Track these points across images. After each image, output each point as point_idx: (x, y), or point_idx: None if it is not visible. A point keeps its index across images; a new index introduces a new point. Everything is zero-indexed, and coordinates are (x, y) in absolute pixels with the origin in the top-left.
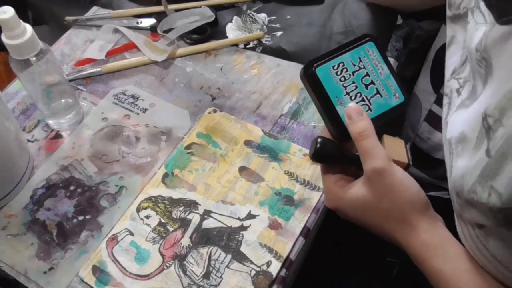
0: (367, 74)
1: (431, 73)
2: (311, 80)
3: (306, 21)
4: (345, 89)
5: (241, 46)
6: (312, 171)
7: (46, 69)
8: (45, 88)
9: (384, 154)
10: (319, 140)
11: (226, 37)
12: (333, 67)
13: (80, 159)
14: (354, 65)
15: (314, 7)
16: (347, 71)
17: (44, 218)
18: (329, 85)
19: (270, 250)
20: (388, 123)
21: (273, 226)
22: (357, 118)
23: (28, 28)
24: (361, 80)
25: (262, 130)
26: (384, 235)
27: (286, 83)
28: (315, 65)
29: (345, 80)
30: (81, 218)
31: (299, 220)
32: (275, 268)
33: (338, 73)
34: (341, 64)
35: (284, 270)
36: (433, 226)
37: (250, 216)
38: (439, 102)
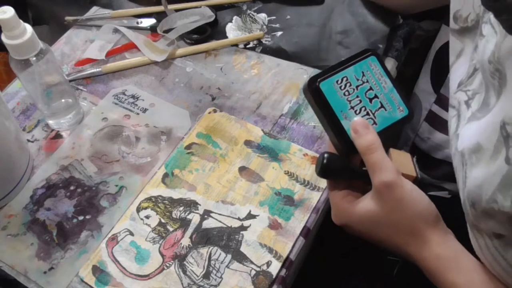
0: (371, 88)
1: (431, 73)
2: (315, 95)
3: (306, 21)
4: (350, 103)
5: (241, 46)
6: (312, 171)
7: (46, 69)
8: (45, 88)
9: (393, 168)
10: (325, 155)
11: (226, 37)
12: (337, 81)
13: (80, 159)
14: (358, 79)
15: (314, 7)
16: (350, 85)
17: (44, 218)
18: (333, 100)
19: (270, 250)
20: (393, 136)
21: (273, 226)
22: (364, 132)
23: (28, 28)
24: (365, 94)
25: (262, 130)
26: (395, 249)
27: (286, 83)
28: (318, 79)
29: (349, 94)
30: (81, 218)
31: (299, 220)
32: (275, 268)
33: (342, 87)
34: (345, 79)
35: (284, 270)
36: (445, 239)
37: (250, 216)
38: (439, 102)
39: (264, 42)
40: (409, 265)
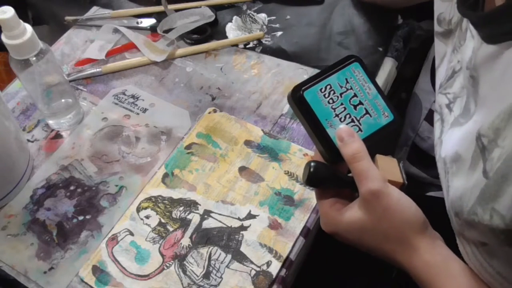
0: (355, 95)
1: (431, 72)
2: (299, 104)
3: (306, 21)
4: (334, 111)
5: (241, 46)
6: None
7: (46, 69)
8: (45, 88)
9: (379, 176)
10: (312, 164)
11: (226, 37)
12: (321, 89)
13: (80, 159)
14: (341, 87)
15: (314, 7)
16: (334, 93)
17: (44, 218)
18: (318, 108)
19: (270, 250)
20: (379, 142)
21: (273, 226)
22: (349, 140)
23: (28, 28)
24: (349, 101)
25: (262, 130)
26: (385, 256)
27: (286, 83)
28: (302, 88)
29: (334, 102)
30: (81, 218)
31: (299, 220)
32: (275, 268)
33: (326, 95)
34: (328, 86)
35: (284, 270)
36: (434, 245)
37: (250, 216)
38: None
39: (264, 42)
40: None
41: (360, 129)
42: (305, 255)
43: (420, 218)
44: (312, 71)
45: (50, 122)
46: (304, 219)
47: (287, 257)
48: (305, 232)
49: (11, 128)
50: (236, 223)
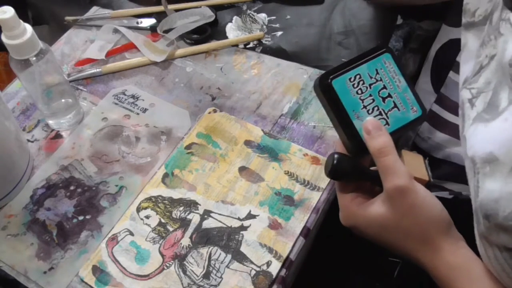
0: (384, 87)
1: (431, 73)
2: (327, 93)
3: (306, 21)
4: (362, 102)
5: (241, 46)
6: (312, 171)
7: (46, 69)
8: (45, 88)
9: (406, 172)
10: (335, 156)
11: (226, 37)
12: (350, 79)
13: (80, 159)
14: (371, 77)
15: (314, 7)
16: (363, 83)
17: (44, 218)
18: (345, 98)
19: (270, 250)
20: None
21: (273, 226)
22: (376, 134)
23: (28, 28)
24: (378, 93)
25: (262, 130)
26: (405, 254)
27: (286, 83)
28: (331, 77)
29: (362, 93)
30: (81, 218)
31: (299, 220)
32: (275, 268)
33: (355, 85)
34: (358, 76)
35: (284, 270)
36: (457, 246)
37: (250, 216)
38: (439, 101)
39: (264, 42)
40: (410, 266)
41: (387, 123)
42: (305, 255)
43: (445, 218)
44: (312, 71)
45: (50, 122)
46: (304, 219)
47: (287, 257)
48: (305, 232)
49: (11, 128)
50: (236, 223)
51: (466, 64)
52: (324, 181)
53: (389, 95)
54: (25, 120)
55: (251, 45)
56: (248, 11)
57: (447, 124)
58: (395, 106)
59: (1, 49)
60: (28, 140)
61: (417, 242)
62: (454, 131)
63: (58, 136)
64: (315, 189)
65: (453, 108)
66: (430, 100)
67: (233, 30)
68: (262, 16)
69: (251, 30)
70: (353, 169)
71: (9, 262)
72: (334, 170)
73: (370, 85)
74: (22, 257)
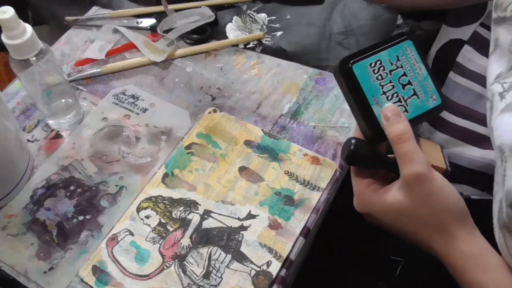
0: (405, 74)
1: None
2: (347, 77)
3: (306, 21)
4: (382, 88)
5: (241, 46)
6: (312, 171)
7: (46, 69)
8: (45, 88)
9: (424, 159)
10: (353, 141)
11: (226, 37)
12: (370, 64)
13: (80, 159)
14: (392, 64)
15: (314, 7)
16: (384, 69)
17: (44, 218)
18: (365, 83)
19: (270, 250)
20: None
21: (273, 226)
22: (395, 120)
23: (28, 28)
24: (398, 80)
25: (262, 130)
26: (419, 242)
27: (286, 83)
28: (351, 61)
29: (382, 79)
30: (81, 218)
31: (299, 220)
32: (275, 268)
33: (375, 71)
34: (379, 62)
35: (284, 270)
36: (472, 236)
37: (250, 216)
38: None
39: (264, 42)
40: (412, 265)
41: (406, 110)
42: (305, 255)
43: (462, 208)
44: (312, 71)
45: (50, 122)
46: (304, 219)
47: (287, 257)
48: (305, 232)
49: (11, 128)
50: (236, 223)
51: (499, 61)
52: (324, 181)
53: (409, 83)
54: (25, 120)
55: (251, 45)
56: (248, 11)
57: (447, 125)
58: (415, 93)
59: (1, 49)
60: (28, 140)
61: (432, 230)
62: (454, 131)
63: (58, 136)
64: (315, 189)
65: (454, 108)
66: None
67: (233, 30)
68: (262, 16)
69: (251, 30)
70: (370, 154)
71: (9, 262)
72: (351, 155)
73: (390, 71)
74: (22, 257)
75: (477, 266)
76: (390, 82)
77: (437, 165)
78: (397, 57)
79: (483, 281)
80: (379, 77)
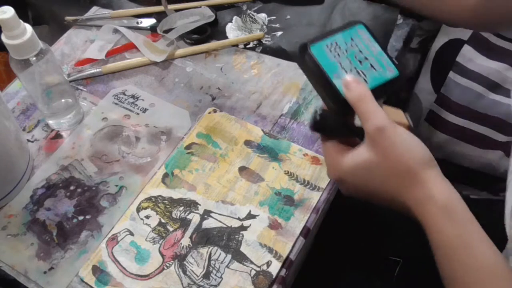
0: (360, 51)
1: (431, 73)
2: (306, 58)
3: (306, 21)
4: (340, 64)
5: (241, 46)
6: (312, 171)
7: (46, 69)
8: (45, 88)
9: (385, 115)
10: (318, 110)
11: (226, 37)
12: (327, 45)
13: (80, 159)
14: (347, 44)
15: (314, 7)
16: (340, 49)
17: (44, 218)
18: (324, 61)
19: (270, 250)
20: (382, 97)
21: (273, 226)
22: (354, 85)
23: (28, 28)
24: (355, 57)
25: (262, 130)
26: (389, 198)
27: (286, 83)
28: (308, 43)
29: (339, 56)
30: (81, 218)
31: (299, 220)
32: (275, 268)
33: (332, 50)
34: (335, 43)
35: (284, 270)
36: (442, 181)
37: (250, 216)
38: (439, 102)
39: (264, 42)
40: (410, 266)
41: (365, 81)
42: (305, 255)
43: (429, 155)
44: None
45: (50, 122)
46: (304, 219)
47: (287, 257)
48: (305, 232)
49: (11, 128)
50: (236, 223)
51: None
52: (324, 181)
53: (366, 58)
54: (25, 120)
55: (251, 45)
56: (248, 11)
57: (447, 124)
58: (372, 67)
59: (1, 49)
60: (28, 140)
61: (400, 179)
62: (454, 131)
63: (58, 136)
64: (315, 189)
65: (453, 108)
66: (430, 100)
67: (233, 30)
68: (262, 16)
69: (251, 30)
70: (336, 122)
71: (9, 262)
72: (317, 121)
73: (346, 50)
74: (22, 257)
75: (443, 215)
76: (347, 58)
77: (399, 121)
78: (352, 38)
79: (447, 229)
80: (337, 56)
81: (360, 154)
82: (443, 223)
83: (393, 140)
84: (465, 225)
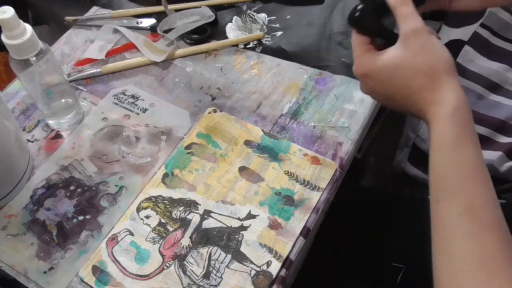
0: None
1: None
2: None
3: (306, 21)
4: None
5: (241, 46)
6: (312, 171)
7: (46, 69)
8: (45, 88)
9: (422, 20)
10: (359, 6)
11: (226, 37)
12: None
13: (80, 159)
14: None
15: (314, 7)
16: None
17: (44, 218)
18: None
19: (270, 250)
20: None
21: (273, 226)
22: None
23: (28, 28)
24: None
25: (262, 130)
26: (408, 97)
27: (286, 83)
28: None
29: None
30: (81, 218)
31: (299, 220)
32: (275, 268)
33: None
34: None
35: (284, 270)
36: (460, 88)
37: (250, 216)
38: None
39: (264, 42)
40: (413, 272)
41: None
42: (305, 255)
43: (453, 65)
44: (313, 71)
45: (50, 122)
46: (304, 219)
47: (287, 257)
48: (305, 232)
49: (11, 128)
50: (236, 223)
51: None
52: (324, 181)
53: None
54: (25, 120)
55: (251, 45)
56: (248, 11)
57: None
58: None
59: (1, 49)
60: (28, 140)
61: (423, 78)
62: None
63: (58, 136)
64: (315, 189)
65: None
66: None
67: (233, 30)
68: (262, 16)
69: (251, 30)
70: (374, 21)
71: (9, 262)
72: (356, 17)
73: None
74: (22, 257)
75: (452, 123)
76: None
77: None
78: None
79: (453, 131)
80: None
81: (390, 52)
82: (448, 123)
83: (426, 42)
84: (466, 126)
